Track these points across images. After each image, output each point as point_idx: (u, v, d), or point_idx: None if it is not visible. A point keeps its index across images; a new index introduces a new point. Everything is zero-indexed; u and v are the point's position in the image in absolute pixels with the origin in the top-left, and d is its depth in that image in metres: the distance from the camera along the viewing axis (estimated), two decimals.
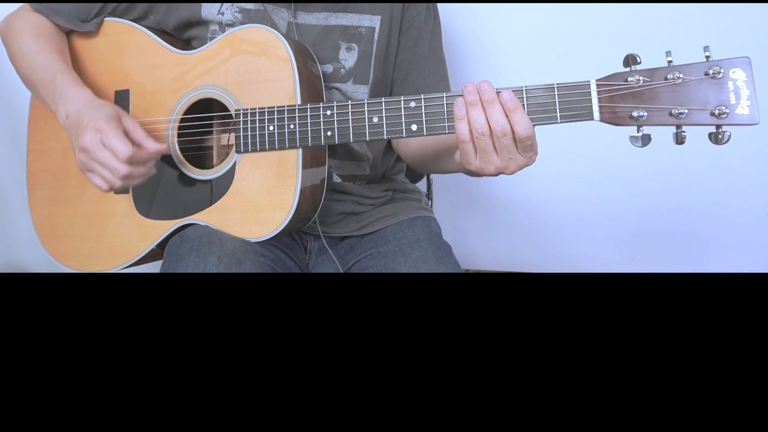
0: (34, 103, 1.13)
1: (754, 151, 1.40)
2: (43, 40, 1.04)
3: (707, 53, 0.75)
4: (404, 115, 0.85)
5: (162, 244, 1.02)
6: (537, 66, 1.44)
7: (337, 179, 1.10)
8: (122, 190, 1.04)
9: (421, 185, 1.32)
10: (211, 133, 1.08)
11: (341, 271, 1.08)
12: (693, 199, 1.51)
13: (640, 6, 1.37)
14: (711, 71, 0.74)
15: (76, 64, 1.08)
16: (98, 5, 1.06)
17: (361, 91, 1.08)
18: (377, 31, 1.06)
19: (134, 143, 0.90)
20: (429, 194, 1.35)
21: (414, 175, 1.28)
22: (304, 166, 0.95)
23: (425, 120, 0.84)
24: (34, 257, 1.42)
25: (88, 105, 0.94)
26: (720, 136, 0.75)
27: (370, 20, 1.06)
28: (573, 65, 1.38)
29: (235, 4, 1.03)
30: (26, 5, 1.07)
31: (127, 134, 0.91)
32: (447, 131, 0.84)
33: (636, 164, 1.38)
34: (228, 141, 1.07)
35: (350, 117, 0.89)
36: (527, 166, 0.82)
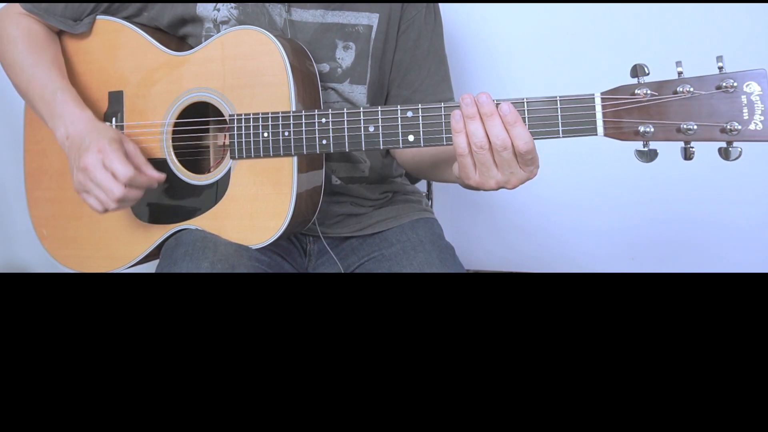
0: None
1: (755, 151, 1.33)
2: (39, 51, 0.98)
3: (720, 64, 0.68)
4: (401, 125, 0.79)
5: (160, 247, 0.98)
6: (541, 67, 1.37)
7: (336, 181, 1.05)
8: None
9: (421, 185, 1.26)
10: (206, 137, 1.02)
11: (342, 272, 1.03)
12: (693, 199, 1.44)
13: (648, 6, 1.28)
14: (723, 84, 0.67)
15: (68, 64, 1.02)
16: (91, 4, 0.99)
17: (358, 92, 1.01)
18: (375, 29, 0.99)
19: (134, 167, 0.86)
20: (429, 195, 1.29)
21: (413, 176, 1.21)
22: (300, 171, 0.90)
23: (422, 131, 0.78)
24: (34, 257, 1.38)
25: (91, 127, 0.90)
26: (730, 152, 0.69)
27: (368, 18, 0.99)
28: (578, 67, 1.31)
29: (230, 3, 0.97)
30: (16, 5, 1.00)
31: (128, 157, 0.87)
32: (445, 143, 0.78)
33: (636, 165, 1.31)
34: (224, 142, 1.01)
35: (346, 125, 0.82)
36: (528, 180, 0.76)
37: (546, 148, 0.80)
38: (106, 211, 0.87)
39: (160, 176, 0.89)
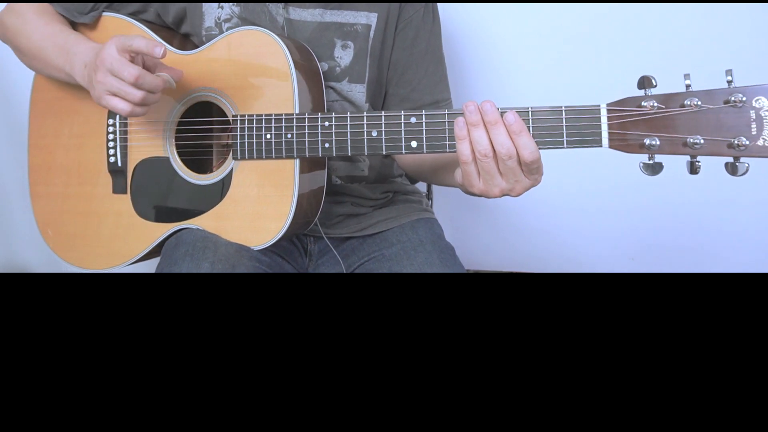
0: (36, 97, 1.06)
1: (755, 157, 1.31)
2: (48, 15, 0.99)
3: (729, 77, 0.66)
4: (404, 131, 0.78)
5: (160, 245, 0.96)
6: (543, 69, 1.33)
7: (337, 181, 1.03)
8: (120, 189, 0.98)
9: (421, 186, 1.24)
10: (209, 137, 1.01)
11: (344, 271, 1.02)
12: (692, 201, 1.42)
13: (654, 7, 1.25)
14: (732, 99, 0.65)
15: None
16: (90, 3, 0.98)
17: (357, 90, 0.99)
18: (373, 28, 0.98)
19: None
20: (429, 195, 1.27)
21: (412, 177, 1.20)
22: (302, 171, 0.88)
23: (425, 137, 0.77)
24: (34, 257, 1.36)
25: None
26: (738, 168, 0.67)
27: (366, 17, 0.97)
28: (581, 69, 1.27)
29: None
30: None
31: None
32: (448, 150, 0.76)
33: (636, 165, 1.29)
34: (228, 141, 1.00)
35: (349, 130, 0.81)
36: (533, 187, 0.75)
37: (547, 151, 0.79)
38: (132, 110, 0.82)
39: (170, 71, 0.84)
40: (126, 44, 0.81)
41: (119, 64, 0.80)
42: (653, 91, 0.68)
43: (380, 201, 1.08)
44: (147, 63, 0.84)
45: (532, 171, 0.72)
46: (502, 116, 0.71)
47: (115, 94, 0.82)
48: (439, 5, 1.04)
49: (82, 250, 1.01)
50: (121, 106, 0.82)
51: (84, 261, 1.02)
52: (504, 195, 0.75)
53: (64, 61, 0.92)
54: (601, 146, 0.70)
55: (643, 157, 0.69)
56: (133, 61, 0.81)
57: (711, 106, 0.66)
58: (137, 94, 0.81)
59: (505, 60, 1.37)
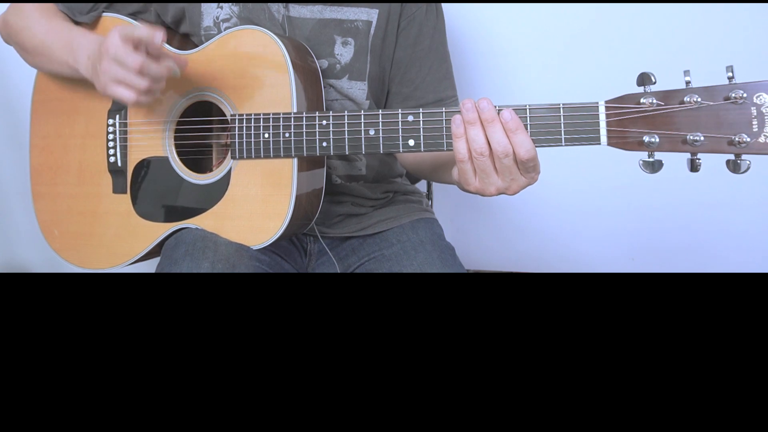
0: (37, 98, 1.05)
1: (755, 155, 1.29)
2: (51, 13, 0.98)
3: (729, 74, 0.64)
4: (401, 129, 0.76)
5: (161, 245, 0.95)
6: (545, 68, 1.32)
7: (337, 180, 1.02)
8: (121, 188, 0.97)
9: (421, 186, 1.22)
10: (208, 136, 0.99)
11: (340, 272, 1.01)
12: (693, 200, 1.40)
13: (656, 7, 1.23)
14: (732, 95, 0.63)
15: None
16: (89, 4, 0.97)
17: (357, 88, 0.98)
18: (374, 25, 0.96)
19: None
20: (429, 195, 1.26)
21: (413, 176, 1.18)
22: (301, 170, 0.87)
23: (423, 136, 0.75)
24: (34, 257, 1.34)
25: None
26: (739, 165, 0.65)
27: (367, 14, 0.96)
28: (583, 68, 1.26)
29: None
30: None
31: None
32: (445, 148, 0.75)
33: (636, 164, 1.27)
34: (227, 141, 0.99)
35: (346, 128, 0.79)
36: (529, 185, 0.73)
37: (546, 150, 0.77)
38: (138, 97, 0.81)
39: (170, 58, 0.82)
40: (128, 33, 0.79)
41: (123, 52, 0.79)
42: (652, 88, 0.66)
43: (380, 201, 1.06)
44: (151, 52, 0.82)
45: (528, 169, 0.71)
46: (498, 114, 0.69)
47: (120, 83, 0.81)
48: (443, 5, 1.02)
49: (83, 249, 1.00)
50: (127, 94, 0.81)
51: (85, 261, 1.01)
52: (500, 193, 0.74)
53: (68, 55, 0.91)
54: (599, 144, 0.68)
55: (643, 155, 0.67)
56: (136, 49, 0.80)
57: (711, 103, 0.64)
58: (142, 83, 0.80)
59: (505, 58, 1.35)
